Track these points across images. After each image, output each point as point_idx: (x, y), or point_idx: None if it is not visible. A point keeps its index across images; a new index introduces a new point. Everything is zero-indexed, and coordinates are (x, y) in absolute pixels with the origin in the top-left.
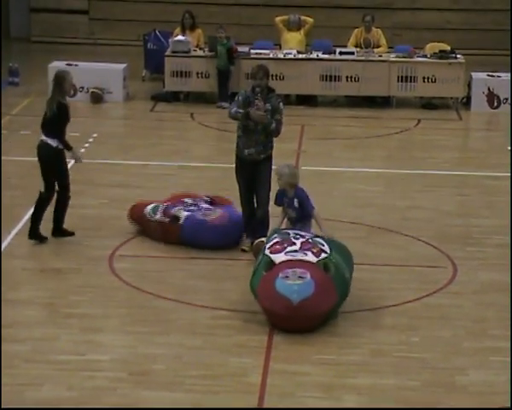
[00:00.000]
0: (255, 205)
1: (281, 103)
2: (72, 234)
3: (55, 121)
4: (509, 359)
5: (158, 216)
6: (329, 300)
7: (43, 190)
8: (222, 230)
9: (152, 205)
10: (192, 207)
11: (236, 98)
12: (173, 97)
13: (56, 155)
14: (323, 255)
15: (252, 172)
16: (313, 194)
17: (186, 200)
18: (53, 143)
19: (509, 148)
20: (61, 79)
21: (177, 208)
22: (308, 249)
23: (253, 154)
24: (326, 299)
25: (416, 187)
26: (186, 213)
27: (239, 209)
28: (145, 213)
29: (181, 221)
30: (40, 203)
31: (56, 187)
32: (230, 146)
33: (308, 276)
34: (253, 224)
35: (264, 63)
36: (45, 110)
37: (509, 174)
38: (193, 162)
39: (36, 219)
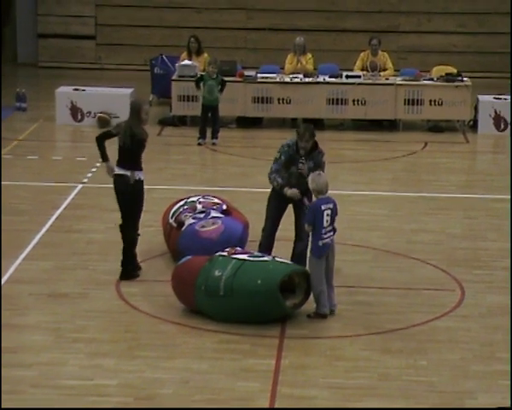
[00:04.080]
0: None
1: (324, 157)
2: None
3: (132, 151)
4: (509, 360)
5: (171, 220)
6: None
7: (122, 224)
8: (208, 244)
9: (177, 206)
10: (199, 215)
11: (278, 157)
12: (180, 121)
13: (134, 188)
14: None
15: (286, 205)
16: None
17: (199, 206)
18: (130, 174)
19: (509, 168)
20: (137, 108)
21: (187, 214)
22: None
23: (293, 192)
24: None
25: (422, 210)
26: (190, 221)
27: (241, 226)
28: (169, 214)
29: (183, 228)
30: (126, 241)
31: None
32: (238, 170)
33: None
34: (293, 257)
35: (309, 124)
36: (121, 141)
37: (510, 196)
38: (200, 186)
39: (127, 259)
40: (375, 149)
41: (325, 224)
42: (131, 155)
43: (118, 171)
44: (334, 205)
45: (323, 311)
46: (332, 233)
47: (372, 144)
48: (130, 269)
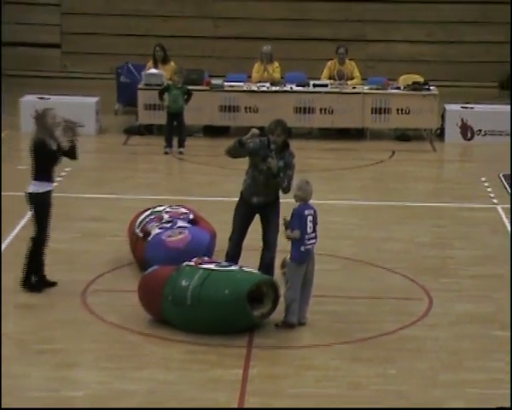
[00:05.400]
0: (241, 250)
1: (294, 159)
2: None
3: (34, 161)
4: (509, 360)
5: (138, 229)
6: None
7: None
8: (174, 254)
9: (143, 216)
10: (166, 225)
11: (248, 141)
12: (147, 130)
13: (36, 200)
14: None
15: (253, 215)
16: None
17: (165, 216)
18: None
19: (509, 172)
20: (40, 115)
21: (153, 224)
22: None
23: (261, 201)
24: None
25: (390, 219)
26: (156, 231)
27: (208, 235)
28: (135, 224)
29: (149, 238)
30: (33, 250)
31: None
32: (205, 179)
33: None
34: (260, 267)
35: (282, 119)
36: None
37: (510, 204)
38: (167, 196)
39: (30, 268)
40: (342, 158)
41: (308, 230)
42: (34, 164)
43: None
44: (315, 212)
45: (292, 320)
46: (314, 241)
47: (339, 153)
48: (32, 279)
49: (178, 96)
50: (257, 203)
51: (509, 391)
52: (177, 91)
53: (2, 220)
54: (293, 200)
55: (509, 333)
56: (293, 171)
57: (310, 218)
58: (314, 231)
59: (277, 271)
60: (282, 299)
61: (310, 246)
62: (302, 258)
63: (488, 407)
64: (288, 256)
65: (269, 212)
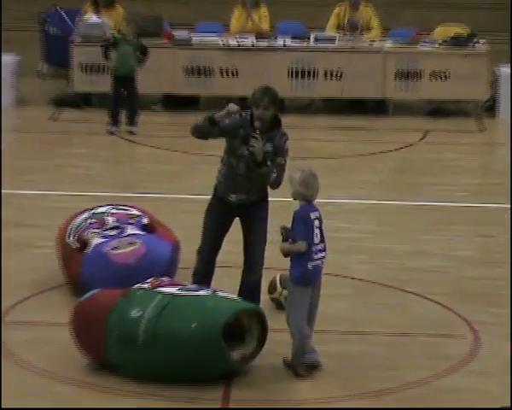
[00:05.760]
0: (215, 264)
1: (287, 142)
2: None
3: None
4: (509, 355)
5: (71, 238)
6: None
7: None
8: (123, 270)
9: (79, 220)
10: (111, 232)
11: (223, 120)
12: (84, 101)
13: None
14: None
15: (231, 218)
16: None
17: (110, 220)
18: None
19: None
20: None
21: (93, 230)
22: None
23: (242, 200)
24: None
25: (421, 225)
26: (97, 241)
27: (169, 247)
28: (68, 231)
29: (88, 250)
30: None
31: None
32: (165, 169)
33: None
34: (241, 292)
35: (270, 86)
36: None
37: (510, 203)
38: (112, 192)
39: None
40: (355, 141)
41: (315, 239)
42: None
43: None
44: (320, 215)
45: (314, 358)
46: (323, 254)
47: (351, 134)
48: None
49: (129, 54)
50: (236, 202)
51: (509, 391)
52: (127, 47)
53: None
54: (290, 199)
55: (509, 333)
56: (285, 158)
57: (316, 223)
58: (322, 240)
59: (265, 297)
60: (269, 335)
61: (319, 261)
62: (308, 278)
63: (489, 407)
64: (278, 275)
65: (253, 214)
